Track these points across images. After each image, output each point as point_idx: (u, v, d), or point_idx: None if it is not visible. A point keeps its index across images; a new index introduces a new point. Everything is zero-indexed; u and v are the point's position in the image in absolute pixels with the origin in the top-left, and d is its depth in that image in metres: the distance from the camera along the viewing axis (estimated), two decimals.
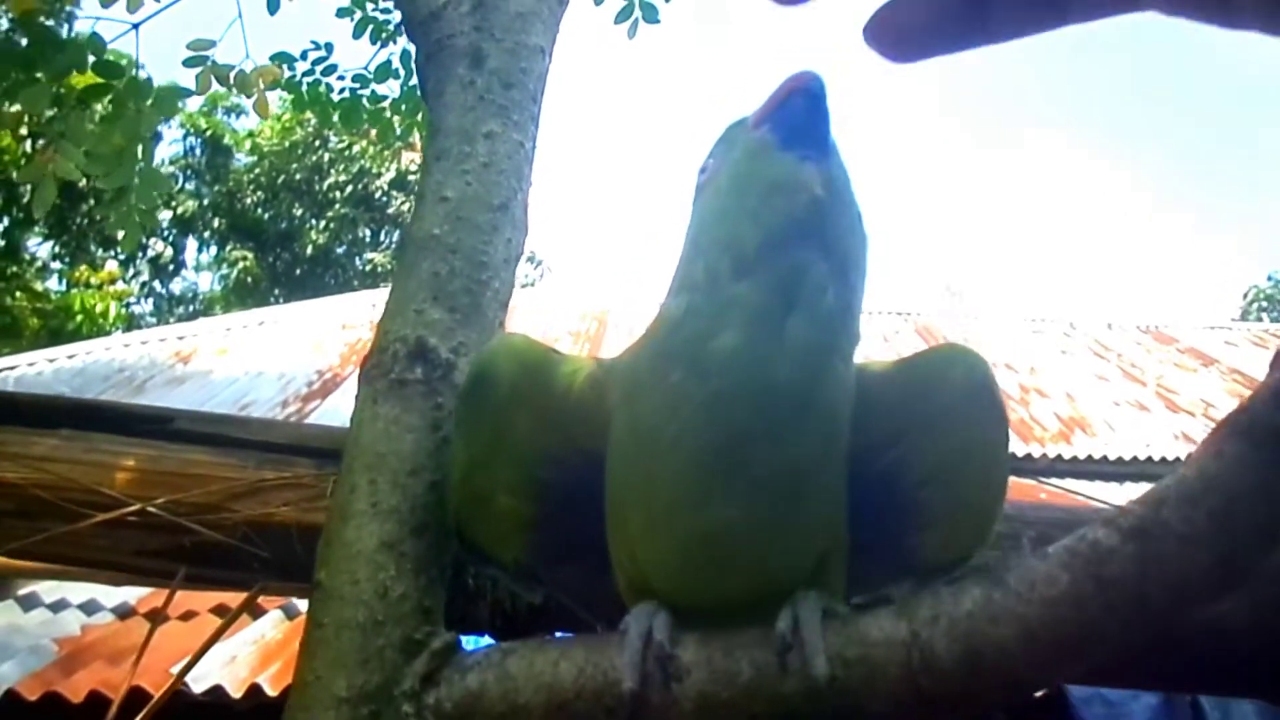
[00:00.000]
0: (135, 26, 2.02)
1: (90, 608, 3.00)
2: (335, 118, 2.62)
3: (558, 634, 0.77)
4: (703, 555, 0.53)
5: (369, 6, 2.58)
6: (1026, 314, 8.88)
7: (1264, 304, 17.03)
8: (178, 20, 2.38)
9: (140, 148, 2.00)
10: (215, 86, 2.16)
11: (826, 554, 0.55)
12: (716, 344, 0.48)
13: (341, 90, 2.63)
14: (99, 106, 2.11)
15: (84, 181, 2.07)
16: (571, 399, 0.58)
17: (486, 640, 0.77)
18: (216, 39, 2.17)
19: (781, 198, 0.47)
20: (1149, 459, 5.67)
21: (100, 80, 1.95)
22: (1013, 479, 0.62)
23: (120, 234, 2.08)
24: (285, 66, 2.52)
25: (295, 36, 2.69)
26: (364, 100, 2.63)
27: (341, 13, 2.60)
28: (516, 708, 0.56)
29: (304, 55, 2.58)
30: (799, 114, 0.44)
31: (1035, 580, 0.49)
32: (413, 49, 0.88)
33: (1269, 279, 17.34)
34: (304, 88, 2.57)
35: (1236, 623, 0.70)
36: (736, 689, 0.52)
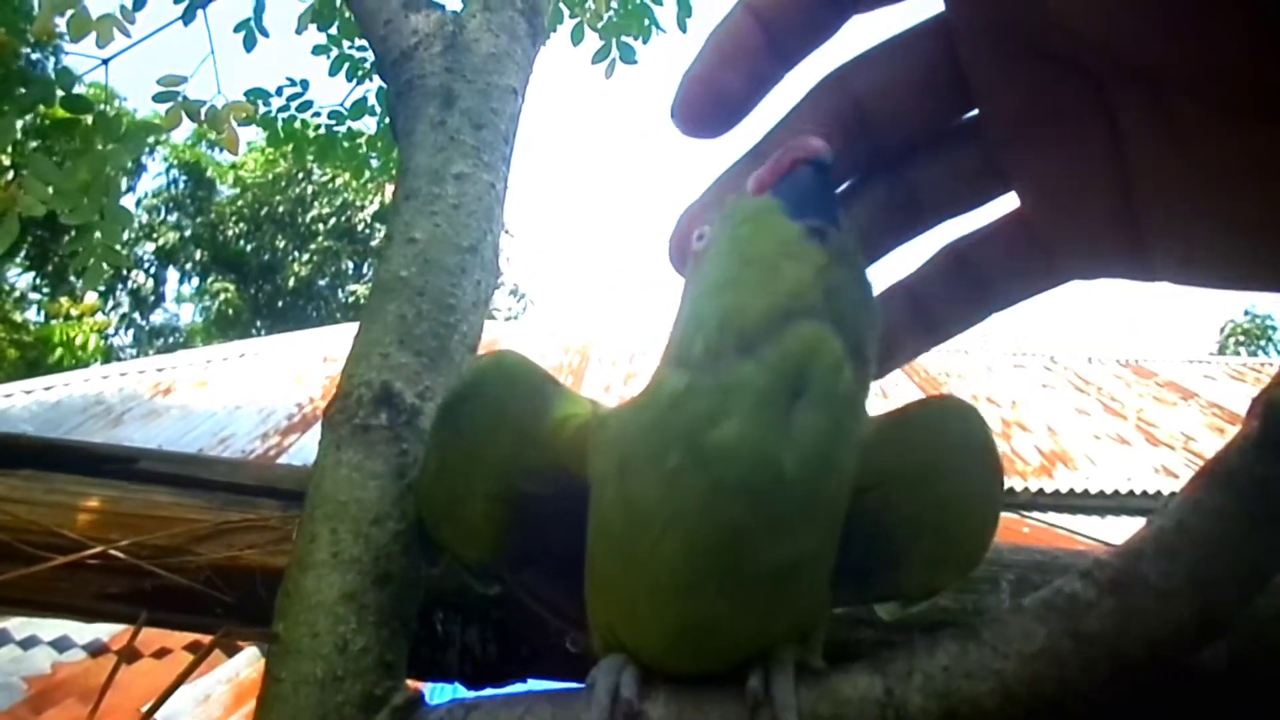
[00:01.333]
0: (105, 62, 2.02)
1: (61, 644, 2.95)
2: (311, 153, 2.63)
3: (528, 680, 0.75)
4: (686, 642, 0.51)
5: (345, 44, 2.60)
6: (1008, 348, 8.94)
7: (1241, 338, 17.27)
8: (153, 56, 2.39)
9: (107, 184, 1.99)
10: (185, 121, 2.16)
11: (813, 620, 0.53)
12: (718, 434, 0.44)
13: (317, 126, 2.64)
14: (76, 140, 2.10)
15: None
16: (560, 443, 0.55)
17: (457, 688, 0.76)
18: (189, 75, 2.17)
19: (790, 264, 0.43)
20: (1130, 492, 5.71)
21: (67, 115, 1.95)
22: None
23: (89, 264, 2.07)
24: (260, 102, 2.52)
25: (271, 73, 2.71)
26: (340, 136, 2.63)
27: (318, 50, 2.61)
28: None
29: (279, 91, 2.59)
30: (806, 183, 0.41)
31: (1011, 634, 0.48)
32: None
33: (1246, 314, 17.59)
34: (279, 123, 2.58)
35: (1216, 671, 0.69)
36: None
